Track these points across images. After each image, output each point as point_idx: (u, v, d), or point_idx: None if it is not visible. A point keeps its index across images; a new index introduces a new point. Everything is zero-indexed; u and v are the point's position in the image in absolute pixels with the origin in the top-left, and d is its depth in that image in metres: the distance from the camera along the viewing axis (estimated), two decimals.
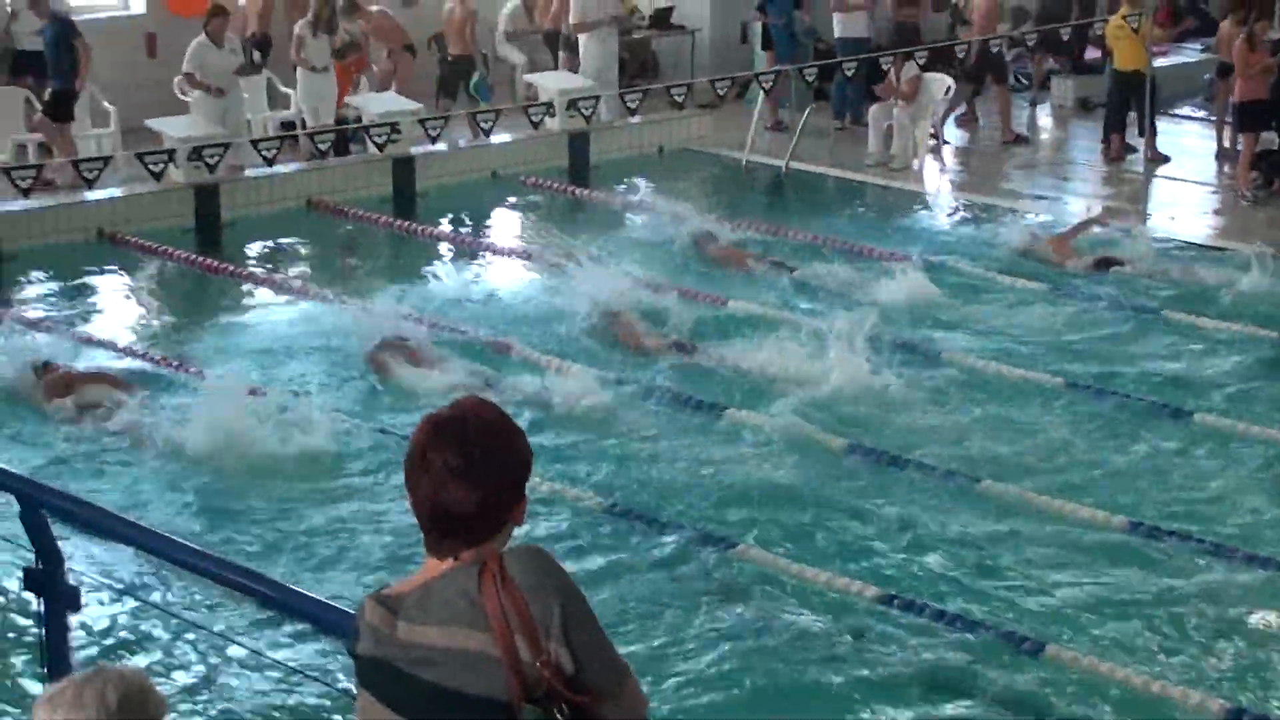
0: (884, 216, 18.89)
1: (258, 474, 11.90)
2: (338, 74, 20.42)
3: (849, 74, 21.30)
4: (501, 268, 16.83)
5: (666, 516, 11.13)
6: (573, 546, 10.62)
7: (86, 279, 16.50)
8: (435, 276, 16.41)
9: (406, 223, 18.10)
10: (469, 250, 17.40)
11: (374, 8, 21.77)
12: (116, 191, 17.91)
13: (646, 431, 12.65)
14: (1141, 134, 20.49)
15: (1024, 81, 24.61)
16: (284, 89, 20.96)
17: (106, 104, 19.95)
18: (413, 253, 17.35)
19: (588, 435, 12.57)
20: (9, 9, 20.19)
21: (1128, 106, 20.82)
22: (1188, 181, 20.30)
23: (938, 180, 20.55)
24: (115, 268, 16.77)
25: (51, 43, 19.10)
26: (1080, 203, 19.25)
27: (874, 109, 21.08)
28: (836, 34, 22.46)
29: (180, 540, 6.73)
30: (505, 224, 18.46)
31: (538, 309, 15.43)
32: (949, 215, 18.92)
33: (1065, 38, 22.89)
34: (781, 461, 12.08)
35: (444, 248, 17.58)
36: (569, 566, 4.35)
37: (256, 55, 20.56)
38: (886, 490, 11.62)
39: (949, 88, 21.33)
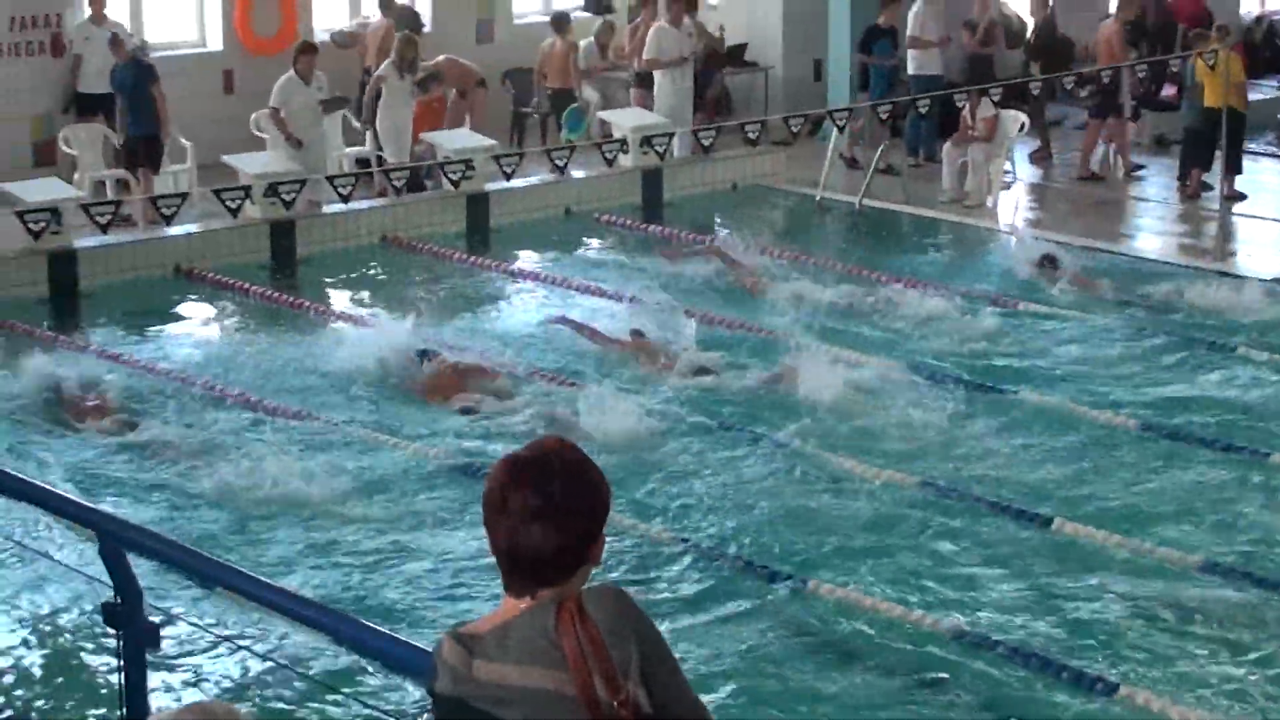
0: (957, 254, 18.85)
1: (322, 508, 11.95)
2: (418, 110, 20.54)
3: (923, 111, 21.27)
4: (573, 303, 16.83)
5: (736, 550, 11.13)
6: (641, 581, 10.62)
7: (163, 314, 16.60)
8: (507, 312, 16.46)
9: (480, 259, 18.16)
10: (542, 286, 17.42)
11: (440, 57, 21.85)
12: (193, 227, 18.04)
13: (720, 465, 12.66)
14: (1228, 172, 20.40)
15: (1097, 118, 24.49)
16: (358, 125, 21.06)
17: (184, 141, 20.10)
18: (486, 288, 17.39)
19: (656, 469, 12.59)
20: (74, 52, 20.26)
21: (1210, 144, 20.68)
22: (1264, 219, 20.17)
23: (1012, 217, 20.46)
24: (192, 303, 16.88)
25: (129, 85, 19.23)
26: (1155, 240, 19.17)
27: (948, 146, 21.06)
28: (910, 71, 22.48)
29: (259, 578, 6.76)
30: (578, 260, 18.48)
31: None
32: (1022, 251, 18.82)
33: (1141, 74, 22.76)
34: (854, 497, 12.07)
35: (517, 283, 17.61)
36: (639, 600, 4.36)
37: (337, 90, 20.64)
38: (959, 527, 11.59)
39: (1023, 124, 21.28)
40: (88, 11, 20.33)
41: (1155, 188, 21.92)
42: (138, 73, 19.27)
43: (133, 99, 19.24)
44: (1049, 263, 17.29)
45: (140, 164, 19.36)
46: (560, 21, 22.95)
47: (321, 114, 19.75)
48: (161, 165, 19.51)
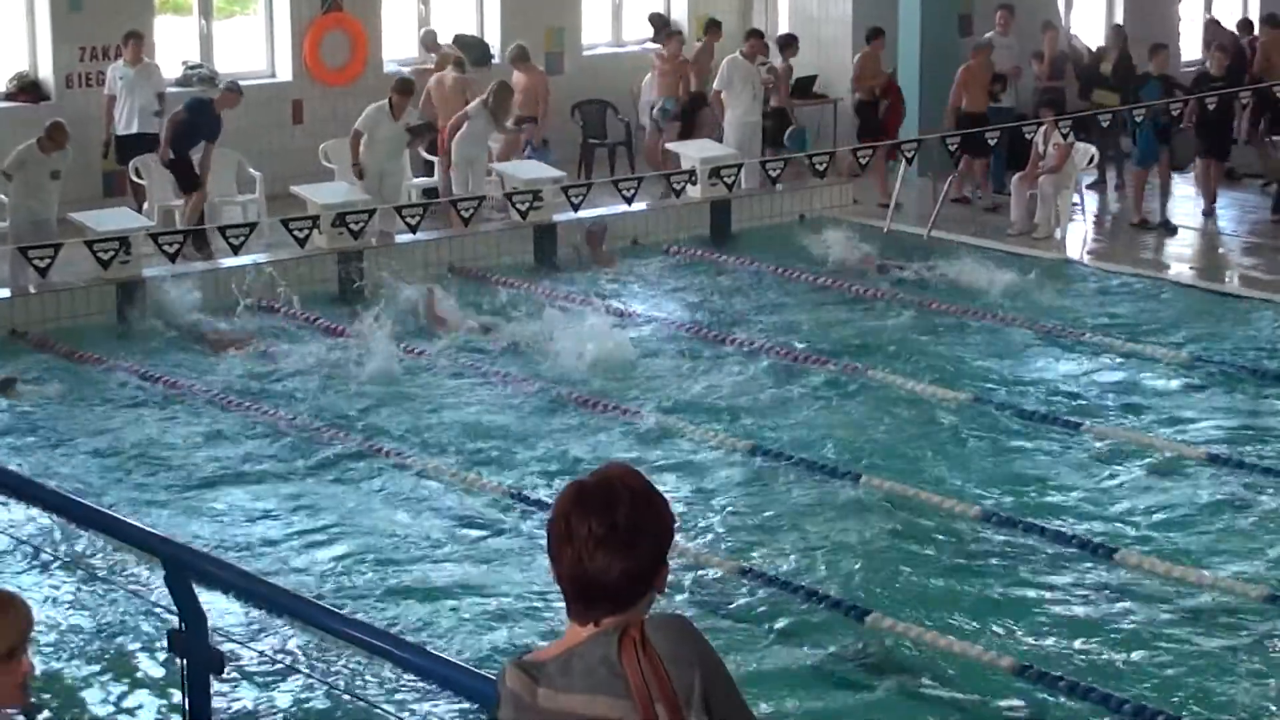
0: (1025, 286, 18.78)
1: (387, 536, 12.00)
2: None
3: (992, 143, 21.21)
4: (637, 333, 16.84)
5: (798, 581, 11.11)
6: (700, 609, 10.61)
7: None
8: (573, 341, 16.48)
9: (548, 289, 18.18)
10: (608, 316, 17.41)
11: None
12: (261, 257, 18.13)
13: (777, 494, 12.67)
14: None
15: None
16: (427, 156, 21.13)
17: (252, 170, 20.22)
18: (554, 318, 17.39)
19: (718, 498, 12.59)
20: (107, 93, 20.29)
21: None
22: None
23: (1080, 250, 20.37)
24: (260, 329, 16.94)
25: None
26: (1222, 273, 19.10)
27: (1016, 178, 20.98)
28: (951, 103, 22.42)
29: (321, 604, 6.79)
30: (645, 291, 18.49)
31: (676, 376, 15.50)
32: (1089, 285, 18.75)
33: (1211, 106, 22.63)
34: (916, 527, 12.05)
35: (584, 313, 17.60)
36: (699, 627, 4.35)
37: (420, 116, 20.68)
38: (1021, 557, 11.53)
39: (1092, 157, 21.20)
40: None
41: (1226, 221, 21.76)
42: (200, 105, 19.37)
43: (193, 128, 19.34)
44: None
45: (185, 189, 19.43)
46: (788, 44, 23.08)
47: (404, 146, 19.86)
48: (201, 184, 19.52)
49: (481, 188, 20.13)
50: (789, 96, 23.11)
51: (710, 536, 11.97)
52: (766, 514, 12.40)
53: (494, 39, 23.48)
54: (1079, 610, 10.85)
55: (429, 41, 22.89)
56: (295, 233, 17.62)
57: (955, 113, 21.75)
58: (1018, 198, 20.83)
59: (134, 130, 20.01)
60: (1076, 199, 21.20)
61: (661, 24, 25.09)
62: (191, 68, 21.15)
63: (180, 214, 19.30)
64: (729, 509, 12.50)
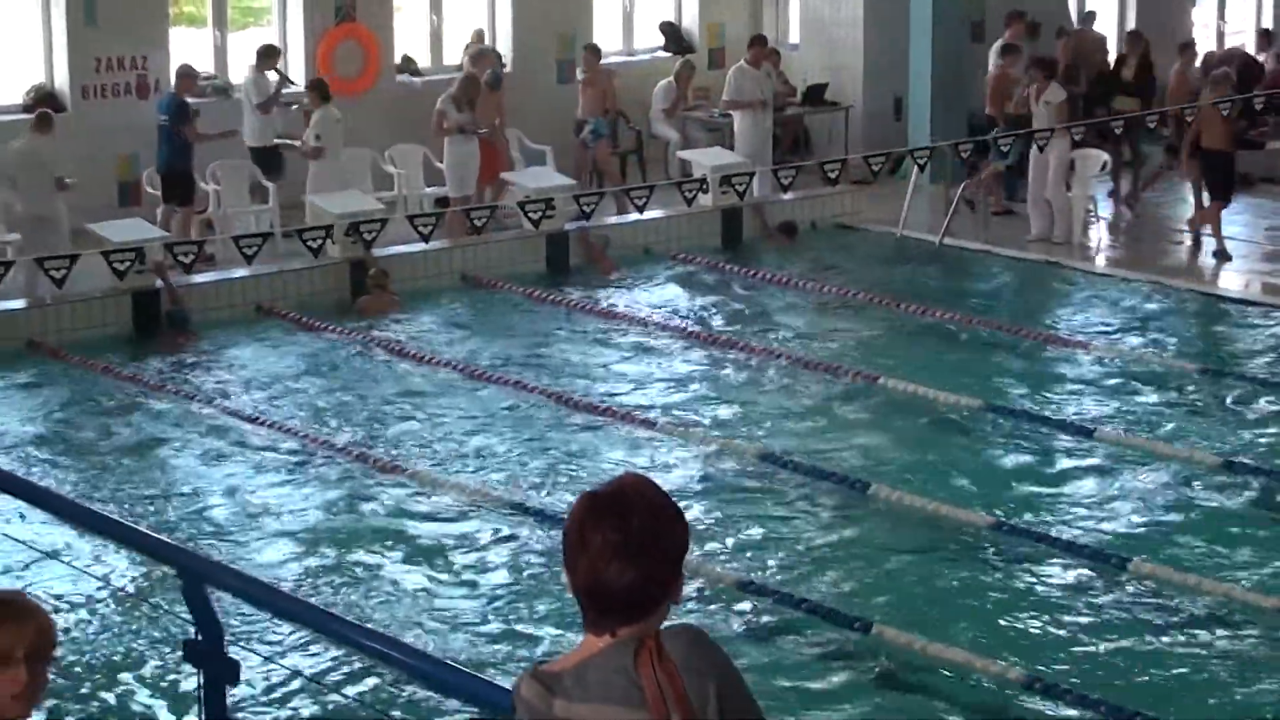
0: (1040, 293, 18.80)
1: (400, 545, 12.01)
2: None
3: (1004, 150, 21.20)
4: (650, 342, 16.85)
5: (803, 593, 11.11)
6: (705, 621, 10.62)
7: (244, 352, 16.71)
8: (586, 350, 16.51)
9: (559, 297, 18.19)
10: (619, 324, 17.44)
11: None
12: (274, 266, 18.19)
13: (784, 506, 12.67)
14: None
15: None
16: (437, 164, 21.14)
17: (265, 181, 20.25)
18: (565, 327, 17.42)
19: (721, 509, 12.61)
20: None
21: None
22: None
23: (1096, 257, 20.34)
24: (272, 341, 16.97)
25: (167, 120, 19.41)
26: (1239, 279, 19.08)
27: (1032, 185, 20.90)
28: (989, 110, 22.40)
29: (337, 615, 6.79)
30: (656, 299, 18.50)
31: (685, 382, 15.53)
32: (1105, 292, 18.72)
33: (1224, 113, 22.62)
34: (925, 537, 12.05)
35: (595, 322, 17.62)
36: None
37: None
38: (1032, 569, 11.52)
39: (1105, 163, 21.17)
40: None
41: (1243, 228, 21.71)
42: (175, 109, 19.37)
43: (165, 134, 19.38)
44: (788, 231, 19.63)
45: (170, 200, 19.46)
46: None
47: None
48: (195, 200, 19.64)
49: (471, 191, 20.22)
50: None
51: (717, 547, 11.97)
52: (772, 524, 12.43)
53: (505, 48, 23.49)
54: (1090, 621, 10.85)
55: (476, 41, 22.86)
56: (309, 243, 17.63)
57: (999, 119, 21.58)
58: (1034, 205, 20.76)
59: (271, 143, 20.32)
60: (1091, 206, 21.15)
61: (672, 33, 25.12)
62: (206, 79, 21.15)
63: (177, 225, 19.27)
64: (736, 518, 12.51)
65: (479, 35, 23.15)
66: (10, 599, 4.77)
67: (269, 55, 20.71)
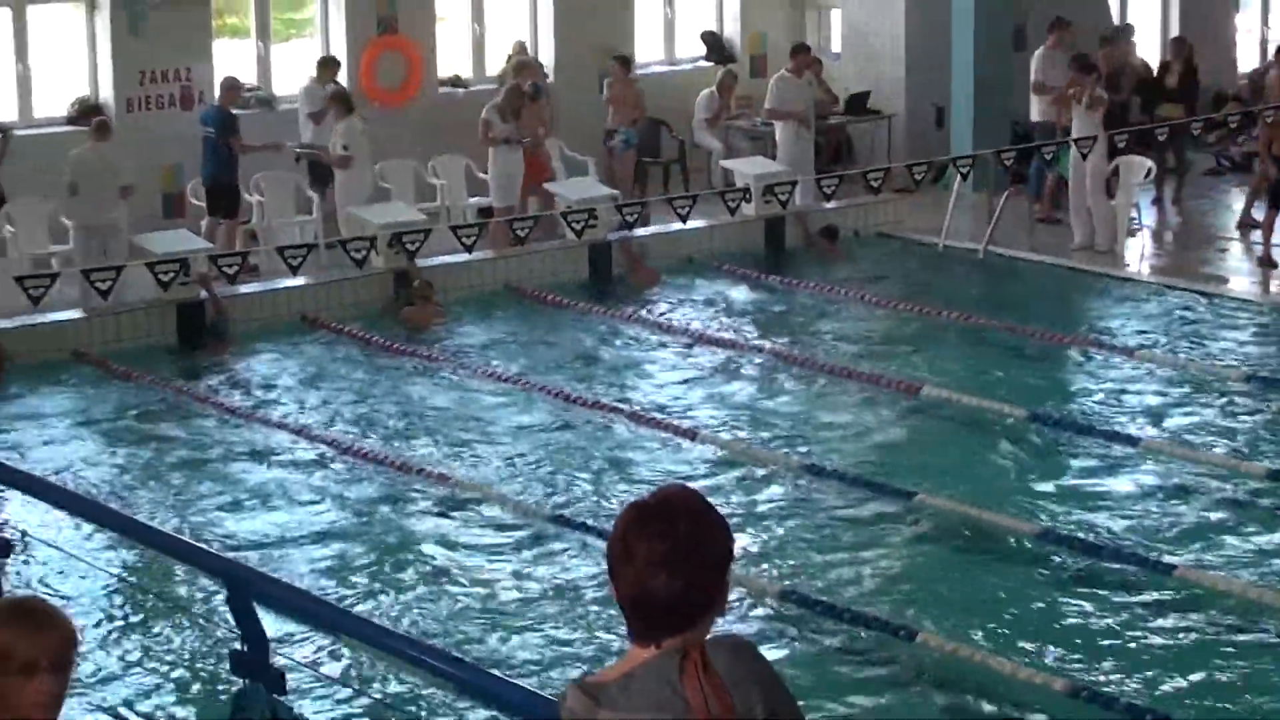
0: (1084, 301, 18.74)
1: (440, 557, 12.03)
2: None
3: (1048, 158, 21.16)
4: (692, 352, 16.85)
5: (846, 602, 11.09)
6: (751, 633, 10.62)
7: (288, 362, 16.76)
8: (629, 360, 16.52)
9: (603, 307, 18.20)
10: (662, 334, 17.43)
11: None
12: (318, 277, 18.27)
13: (828, 515, 12.66)
14: None
15: (1225, 164, 24.32)
16: (480, 174, 21.17)
17: (310, 192, 20.32)
18: (608, 337, 17.43)
19: (765, 519, 12.62)
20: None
21: None
22: None
23: (1139, 264, 20.26)
24: (316, 351, 17.01)
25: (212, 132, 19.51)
26: None
27: (1073, 193, 20.83)
28: (1034, 118, 22.37)
29: (383, 625, 6.81)
30: (699, 309, 18.49)
31: (728, 392, 15.53)
32: (1150, 300, 18.65)
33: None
34: (968, 546, 12.02)
35: (638, 332, 17.62)
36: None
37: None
38: (1079, 579, 11.49)
39: (1149, 170, 21.08)
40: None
41: None
42: (221, 120, 19.45)
43: (209, 146, 19.46)
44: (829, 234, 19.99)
45: (215, 212, 19.54)
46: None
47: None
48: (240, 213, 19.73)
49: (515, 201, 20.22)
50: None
51: (760, 557, 11.96)
52: (816, 533, 12.42)
53: (547, 58, 23.52)
54: (1136, 629, 10.80)
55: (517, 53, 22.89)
56: (353, 254, 17.67)
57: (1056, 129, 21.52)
58: (1078, 213, 20.68)
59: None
60: (1134, 214, 21.08)
61: (714, 42, 25.12)
62: (249, 90, 21.23)
63: (221, 237, 19.32)
64: (780, 528, 12.50)
65: (521, 46, 23.19)
66: (33, 606, 4.73)
67: (326, 66, 20.81)
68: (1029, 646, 10.53)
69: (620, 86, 22.59)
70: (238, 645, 7.37)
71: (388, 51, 22.24)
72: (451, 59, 23.41)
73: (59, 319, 17.04)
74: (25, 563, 11.53)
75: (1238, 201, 21.91)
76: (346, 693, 9.87)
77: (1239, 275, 19.71)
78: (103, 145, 18.24)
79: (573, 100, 22.95)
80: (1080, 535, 12.07)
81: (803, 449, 14.06)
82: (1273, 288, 19.10)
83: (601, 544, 11.18)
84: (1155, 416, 14.80)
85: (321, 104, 20.42)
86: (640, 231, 19.70)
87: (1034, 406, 14.82)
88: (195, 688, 10.20)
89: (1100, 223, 20.43)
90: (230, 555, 10.93)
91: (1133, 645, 10.60)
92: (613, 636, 10.53)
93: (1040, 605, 11.17)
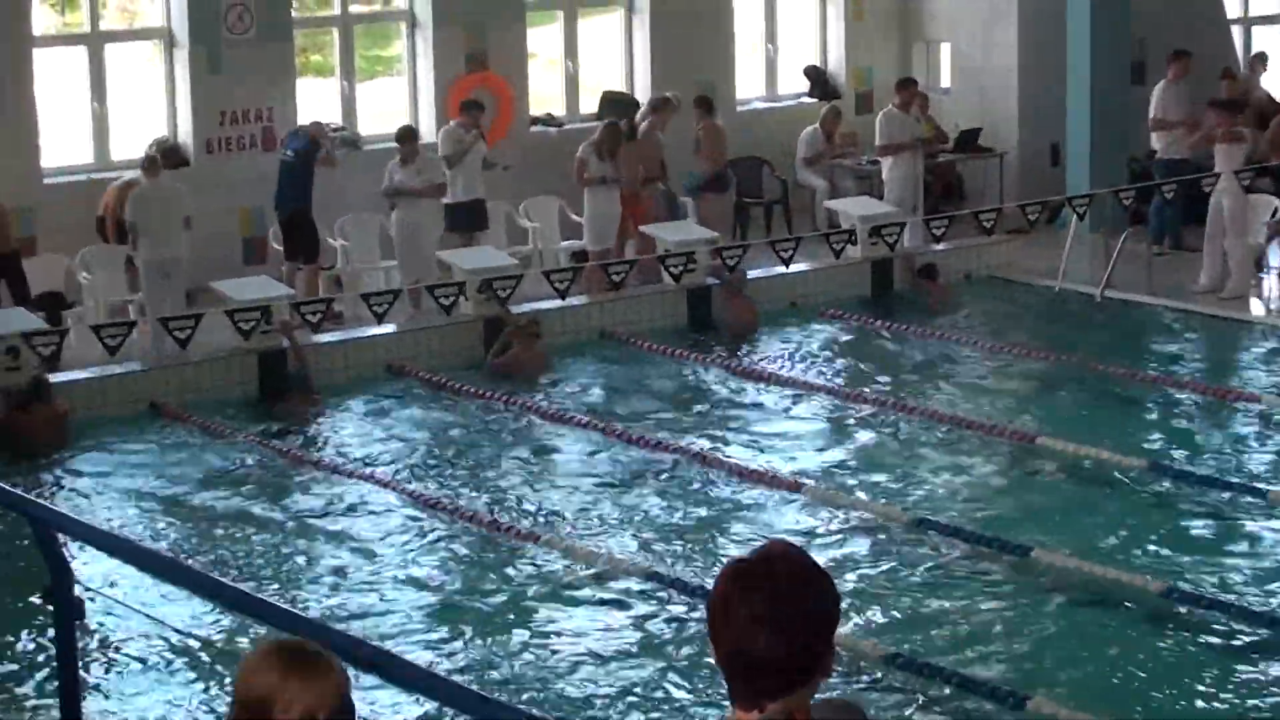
0: (1207, 346, 18.57)
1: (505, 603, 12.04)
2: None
3: (1168, 196, 21.00)
4: (796, 400, 16.79)
5: (956, 665, 11.00)
6: (853, 693, 10.56)
7: (374, 414, 16.80)
8: (729, 409, 16.49)
9: (702, 354, 18.17)
10: (763, 383, 17.36)
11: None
12: (403, 325, 18.33)
13: (939, 573, 12.57)
14: None
15: None
16: (574, 216, 21.21)
17: (527, 222, 20.41)
18: (708, 385, 17.40)
19: (872, 577, 12.55)
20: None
21: None
22: None
23: (1266, 308, 20.05)
24: (403, 403, 17.06)
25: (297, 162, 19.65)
26: None
27: (1208, 233, 20.56)
28: (1156, 154, 22.20)
29: (472, 689, 6.78)
30: (803, 355, 18.43)
31: (833, 442, 15.48)
32: (1277, 345, 18.47)
33: None
34: (1086, 605, 11.93)
35: (738, 380, 17.56)
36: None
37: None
38: (1203, 637, 11.35)
39: (1275, 209, 20.87)
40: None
41: None
42: (307, 145, 19.61)
43: (286, 171, 19.62)
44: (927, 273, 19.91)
45: (293, 256, 19.62)
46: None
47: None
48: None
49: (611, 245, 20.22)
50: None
51: (868, 618, 11.88)
52: (926, 592, 12.34)
53: (643, 95, 23.55)
54: (1265, 692, 10.65)
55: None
56: (440, 300, 17.71)
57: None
58: (1212, 254, 20.37)
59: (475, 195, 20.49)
60: (1261, 255, 20.84)
61: (818, 77, 25.10)
62: (335, 130, 21.38)
63: (302, 282, 19.38)
64: (888, 587, 12.42)
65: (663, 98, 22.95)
66: (314, 650, 4.47)
67: (467, 110, 20.79)
68: (1152, 712, 10.42)
69: (701, 129, 22.18)
70: None
71: (477, 89, 22.33)
72: (544, 97, 23.50)
73: (131, 369, 17.09)
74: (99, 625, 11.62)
75: None
76: None
77: None
78: (158, 180, 18.43)
79: (669, 140, 22.94)
80: (1205, 593, 11.94)
81: (911, 502, 13.99)
82: None
83: (699, 601, 11.17)
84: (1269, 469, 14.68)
85: (460, 148, 20.35)
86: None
87: (1155, 457, 14.70)
88: None
89: (1237, 267, 20.08)
90: (313, 614, 10.97)
91: (1263, 708, 10.47)
92: (712, 697, 10.48)
93: (1163, 667, 11.04)
